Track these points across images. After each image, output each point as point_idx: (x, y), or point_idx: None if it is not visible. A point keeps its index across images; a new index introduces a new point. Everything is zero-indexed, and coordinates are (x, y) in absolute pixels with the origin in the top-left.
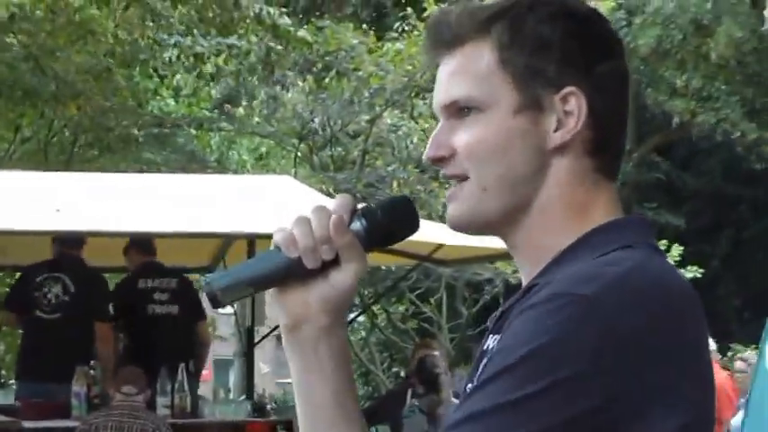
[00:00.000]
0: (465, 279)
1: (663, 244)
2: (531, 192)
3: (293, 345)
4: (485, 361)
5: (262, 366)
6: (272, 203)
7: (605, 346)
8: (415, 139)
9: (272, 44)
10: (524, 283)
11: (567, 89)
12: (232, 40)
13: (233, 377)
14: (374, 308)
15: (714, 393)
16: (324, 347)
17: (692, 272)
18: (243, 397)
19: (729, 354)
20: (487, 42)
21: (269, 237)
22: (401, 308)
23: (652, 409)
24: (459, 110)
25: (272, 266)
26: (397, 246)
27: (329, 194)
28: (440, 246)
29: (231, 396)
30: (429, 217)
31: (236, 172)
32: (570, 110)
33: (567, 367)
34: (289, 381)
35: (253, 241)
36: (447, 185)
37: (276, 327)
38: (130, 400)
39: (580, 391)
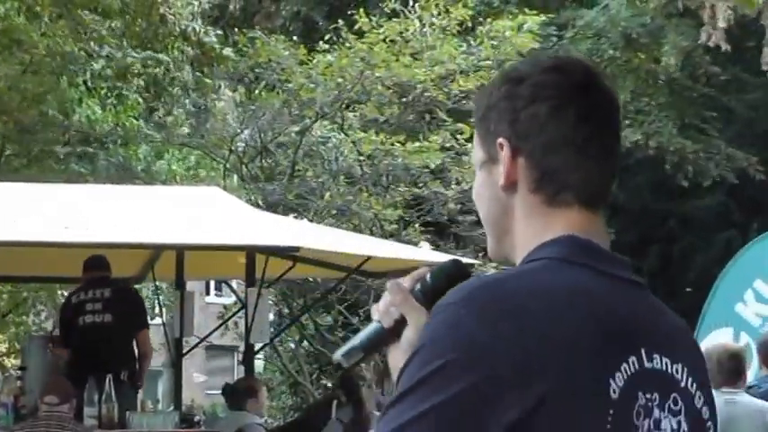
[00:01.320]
0: None
1: None
2: (506, 228)
3: None
4: None
5: (193, 376)
6: (201, 215)
7: (462, 341)
8: (345, 151)
9: (199, 72)
10: None
11: (499, 140)
12: (161, 56)
13: (161, 388)
14: (302, 319)
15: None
16: None
17: None
18: (171, 408)
19: None
20: None
21: (197, 248)
22: (329, 319)
23: (503, 395)
24: None
25: (372, 331)
26: (325, 258)
27: (258, 206)
28: (368, 258)
29: (160, 407)
30: (358, 228)
31: (165, 183)
32: (503, 157)
33: (437, 359)
34: (217, 392)
35: (181, 252)
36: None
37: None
38: (57, 411)
39: (450, 377)
